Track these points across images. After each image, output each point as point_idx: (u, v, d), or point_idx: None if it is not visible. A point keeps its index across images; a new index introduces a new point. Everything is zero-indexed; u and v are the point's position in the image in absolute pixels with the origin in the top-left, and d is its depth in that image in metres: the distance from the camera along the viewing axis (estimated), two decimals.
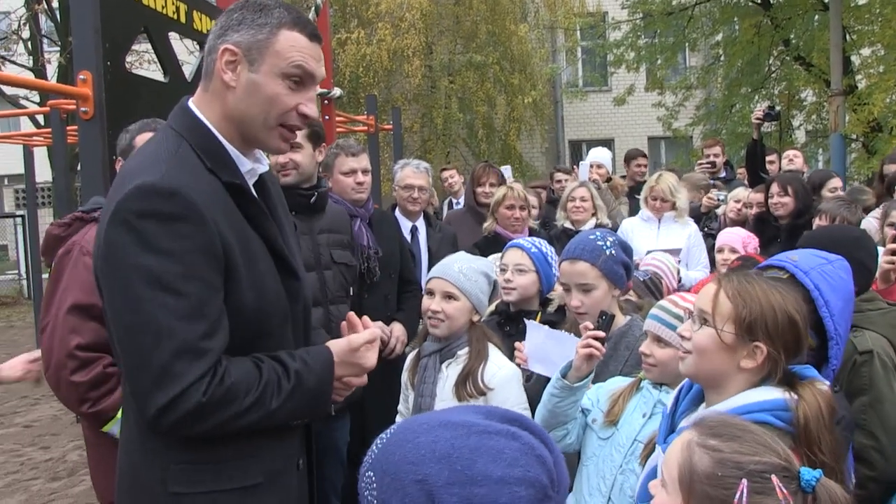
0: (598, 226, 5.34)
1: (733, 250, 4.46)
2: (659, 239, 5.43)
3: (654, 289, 3.70)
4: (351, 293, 3.83)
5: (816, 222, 4.43)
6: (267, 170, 2.03)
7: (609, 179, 6.89)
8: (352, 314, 2.07)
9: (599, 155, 7.04)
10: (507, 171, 6.83)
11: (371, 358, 2.00)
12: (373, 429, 3.74)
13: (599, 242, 3.02)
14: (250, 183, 1.95)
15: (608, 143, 21.85)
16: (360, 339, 1.97)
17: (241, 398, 1.74)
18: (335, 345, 1.97)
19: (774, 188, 5.21)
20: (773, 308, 1.83)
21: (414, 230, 5.00)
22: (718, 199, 6.15)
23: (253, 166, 1.94)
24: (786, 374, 1.86)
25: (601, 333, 2.57)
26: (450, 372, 3.03)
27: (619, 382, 2.72)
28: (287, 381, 1.82)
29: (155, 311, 1.66)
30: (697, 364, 1.91)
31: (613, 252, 3.01)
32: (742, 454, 1.38)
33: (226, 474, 1.83)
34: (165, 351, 1.66)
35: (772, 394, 1.82)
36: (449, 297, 3.03)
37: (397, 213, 5.02)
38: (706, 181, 6.84)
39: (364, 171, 4.10)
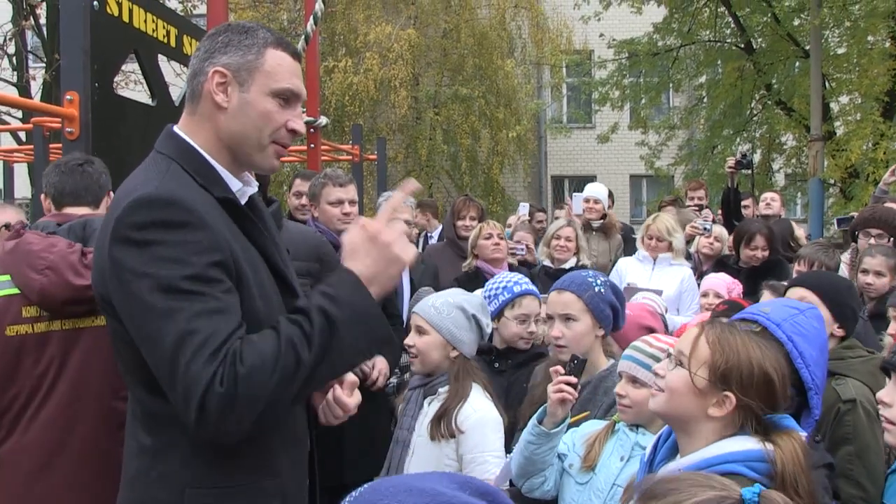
0: (578, 265, 5.35)
1: (718, 295, 4.51)
2: (652, 280, 5.41)
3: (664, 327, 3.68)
4: None
5: (796, 268, 4.49)
6: (256, 191, 2.03)
7: (605, 216, 6.65)
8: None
9: (596, 190, 6.73)
10: (524, 208, 6.65)
11: (399, 242, 1.80)
12: (350, 464, 3.72)
13: (590, 279, 3.03)
14: (241, 202, 1.95)
15: (590, 180, 21.86)
16: (375, 224, 1.81)
17: (270, 367, 1.62)
18: (350, 257, 1.79)
19: (759, 241, 5.27)
20: (749, 361, 1.84)
21: None
22: (704, 228, 6.07)
23: (243, 187, 1.95)
24: (762, 425, 1.86)
25: (572, 379, 2.52)
26: (430, 409, 3.01)
27: (593, 426, 2.69)
28: (310, 325, 1.67)
29: (173, 315, 1.62)
30: (667, 403, 1.93)
31: (602, 290, 3.00)
32: (680, 502, 1.37)
33: (246, 496, 1.80)
34: (187, 354, 1.61)
35: (746, 444, 1.82)
36: (419, 331, 3.02)
37: None
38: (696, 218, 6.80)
39: (351, 202, 4.08)
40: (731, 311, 3.53)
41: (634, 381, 2.50)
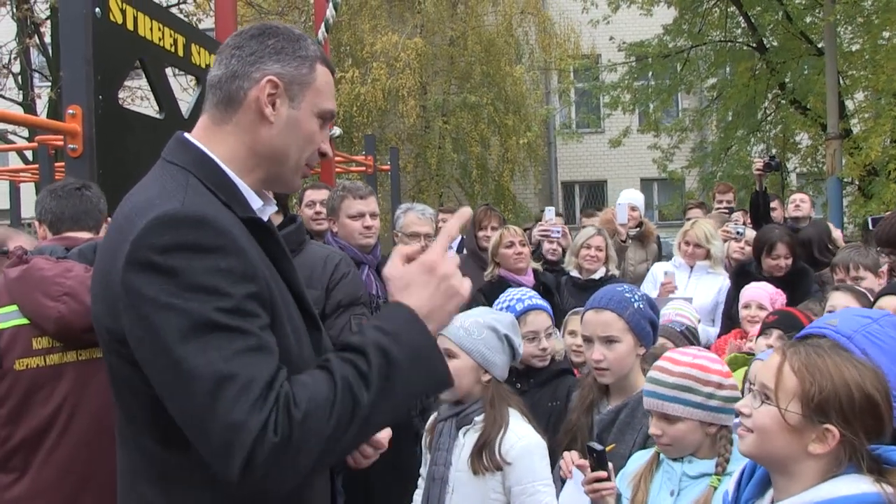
0: (608, 275, 5.12)
1: (761, 307, 4.19)
2: (688, 288, 5.16)
3: (692, 339, 3.48)
4: None
5: (836, 277, 4.25)
6: (274, 210, 1.83)
7: (641, 224, 6.36)
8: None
9: (632, 196, 6.41)
10: (549, 212, 6.32)
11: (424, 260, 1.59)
12: (378, 491, 3.50)
13: (627, 295, 2.82)
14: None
15: (601, 185, 21.86)
16: (433, 254, 1.59)
17: (327, 411, 1.42)
18: (402, 291, 1.58)
19: (781, 249, 4.99)
20: (847, 385, 1.60)
21: None
22: (737, 233, 5.80)
23: (263, 206, 1.73)
24: (873, 460, 1.62)
25: (602, 474, 2.31)
26: (466, 440, 2.77)
27: (637, 461, 2.48)
28: (367, 364, 1.47)
29: (206, 354, 1.39)
30: (759, 445, 1.68)
31: (641, 306, 2.80)
32: None
33: None
34: (227, 400, 1.37)
35: (859, 486, 1.57)
36: (448, 355, 2.76)
37: None
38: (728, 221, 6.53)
39: (372, 215, 3.87)
40: (782, 321, 3.33)
41: (667, 416, 2.30)
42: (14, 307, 2.54)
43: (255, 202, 1.69)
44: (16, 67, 15.77)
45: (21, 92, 15.75)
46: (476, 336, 2.81)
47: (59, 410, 2.52)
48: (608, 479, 2.31)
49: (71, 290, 2.48)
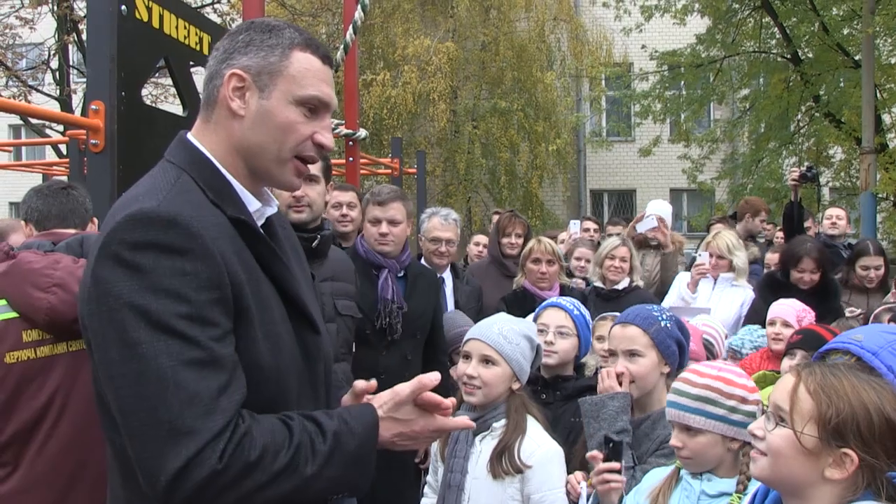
0: (632, 286, 5.09)
1: (786, 324, 4.07)
2: (711, 300, 5.09)
3: (709, 353, 3.44)
4: (353, 349, 3.48)
5: None
6: (276, 212, 1.81)
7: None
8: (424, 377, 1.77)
9: (660, 208, 6.25)
10: (575, 225, 6.22)
11: (421, 423, 1.70)
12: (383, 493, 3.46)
13: (655, 313, 2.86)
14: (258, 224, 1.73)
15: (630, 194, 21.71)
16: (405, 389, 1.68)
17: (269, 464, 1.47)
18: (379, 399, 1.69)
19: (808, 264, 4.88)
20: (865, 408, 1.54)
21: (440, 282, 4.75)
22: None
23: (261, 207, 1.72)
24: (893, 486, 1.55)
25: (615, 465, 2.31)
26: (483, 447, 2.76)
27: (655, 477, 2.44)
28: (323, 442, 1.54)
29: (158, 357, 1.41)
30: (772, 469, 1.63)
31: (668, 325, 2.82)
32: None
33: None
34: (173, 404, 1.40)
35: None
36: (487, 361, 2.78)
37: (422, 262, 4.78)
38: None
39: (390, 222, 3.83)
40: (807, 341, 3.25)
41: (688, 428, 2.28)
42: (3, 301, 2.55)
43: (253, 204, 1.69)
44: (55, 63, 16.03)
45: (58, 87, 15.97)
46: (515, 344, 2.81)
47: (51, 402, 2.53)
48: (619, 472, 2.31)
49: (60, 281, 2.50)
